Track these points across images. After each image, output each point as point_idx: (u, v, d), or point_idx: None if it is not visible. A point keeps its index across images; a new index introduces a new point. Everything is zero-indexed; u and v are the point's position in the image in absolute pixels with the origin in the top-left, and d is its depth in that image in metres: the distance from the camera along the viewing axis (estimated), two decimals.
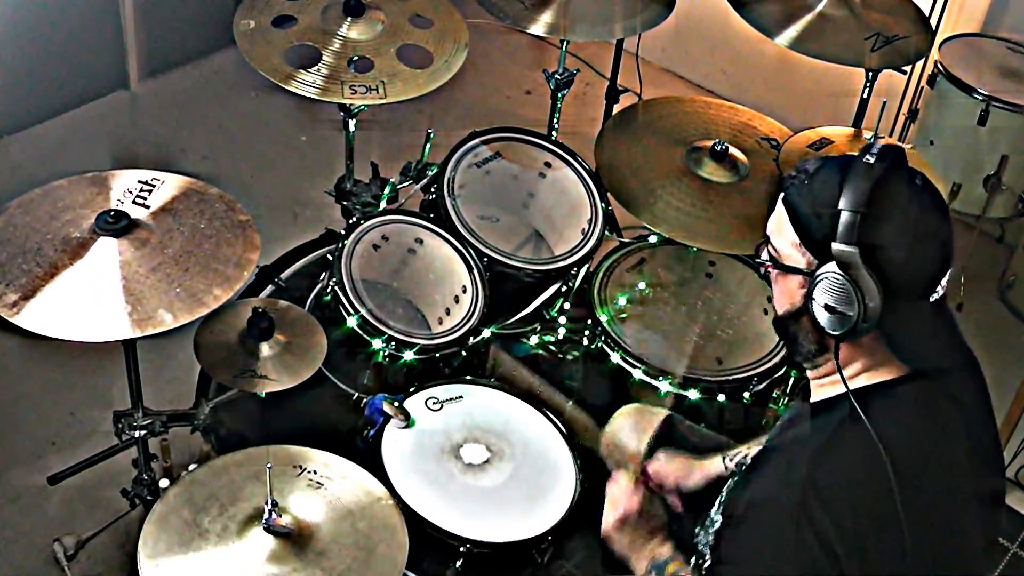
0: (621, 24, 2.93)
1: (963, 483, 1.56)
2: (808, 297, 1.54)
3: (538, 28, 2.83)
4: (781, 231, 1.58)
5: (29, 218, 2.10)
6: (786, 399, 2.68)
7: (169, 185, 2.22)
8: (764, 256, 1.63)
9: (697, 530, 1.80)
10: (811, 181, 1.54)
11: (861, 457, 1.48)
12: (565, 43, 3.11)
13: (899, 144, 1.51)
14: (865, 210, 1.47)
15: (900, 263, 1.49)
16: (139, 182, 2.20)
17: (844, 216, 1.48)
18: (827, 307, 1.51)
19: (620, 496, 1.94)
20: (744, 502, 1.61)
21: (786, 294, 1.60)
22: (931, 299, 1.52)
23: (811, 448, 1.52)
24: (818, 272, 1.51)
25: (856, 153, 1.54)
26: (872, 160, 1.50)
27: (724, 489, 1.78)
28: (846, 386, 1.53)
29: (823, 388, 1.63)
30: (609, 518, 1.93)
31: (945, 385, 1.58)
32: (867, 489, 1.48)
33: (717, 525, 1.70)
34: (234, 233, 2.16)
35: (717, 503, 1.77)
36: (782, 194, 1.58)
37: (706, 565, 1.70)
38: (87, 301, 1.98)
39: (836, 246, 1.48)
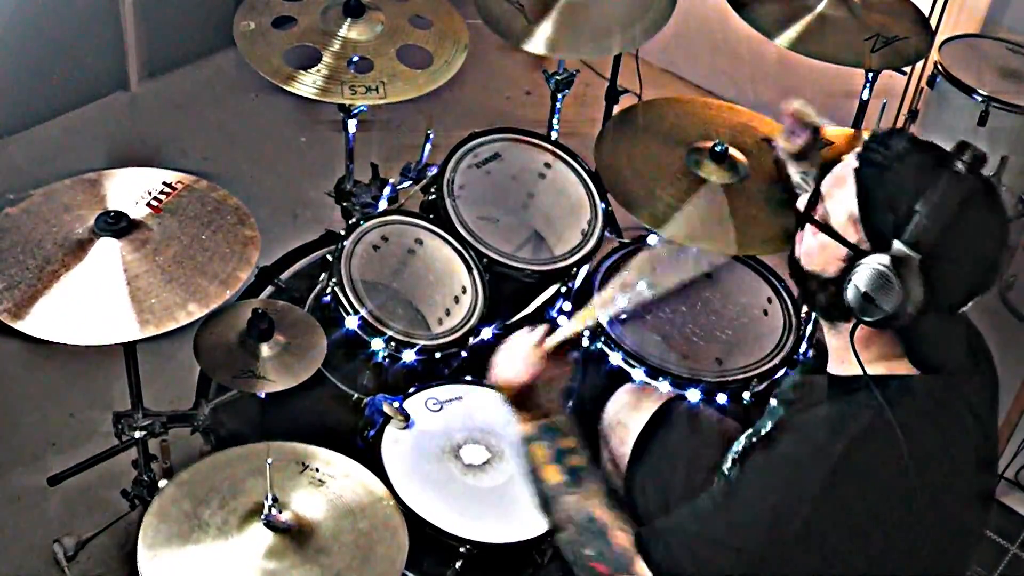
0: (619, 38, 2.88)
1: (969, 483, 1.55)
2: (846, 273, 1.47)
3: (537, 46, 2.77)
4: (841, 197, 1.50)
5: (46, 208, 2.04)
6: None
7: (187, 187, 2.15)
8: (806, 205, 1.54)
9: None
10: (894, 166, 1.45)
11: (885, 457, 1.43)
12: None
13: (984, 152, 1.44)
14: (943, 224, 1.40)
15: (953, 282, 1.44)
16: (163, 183, 2.15)
17: (918, 219, 1.41)
18: (864, 294, 1.45)
19: (535, 356, 1.71)
20: (754, 485, 1.52)
21: (821, 255, 1.53)
22: (957, 312, 1.49)
23: (833, 441, 1.45)
24: (868, 259, 1.45)
25: (946, 150, 1.46)
26: (963, 169, 1.42)
27: (730, 458, 1.73)
28: (863, 370, 1.47)
29: (845, 363, 1.57)
30: (518, 373, 1.70)
31: (959, 388, 1.54)
32: (888, 490, 1.44)
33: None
34: (233, 249, 2.07)
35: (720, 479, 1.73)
36: (855, 161, 1.49)
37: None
38: (90, 304, 1.93)
39: (898, 245, 1.42)
